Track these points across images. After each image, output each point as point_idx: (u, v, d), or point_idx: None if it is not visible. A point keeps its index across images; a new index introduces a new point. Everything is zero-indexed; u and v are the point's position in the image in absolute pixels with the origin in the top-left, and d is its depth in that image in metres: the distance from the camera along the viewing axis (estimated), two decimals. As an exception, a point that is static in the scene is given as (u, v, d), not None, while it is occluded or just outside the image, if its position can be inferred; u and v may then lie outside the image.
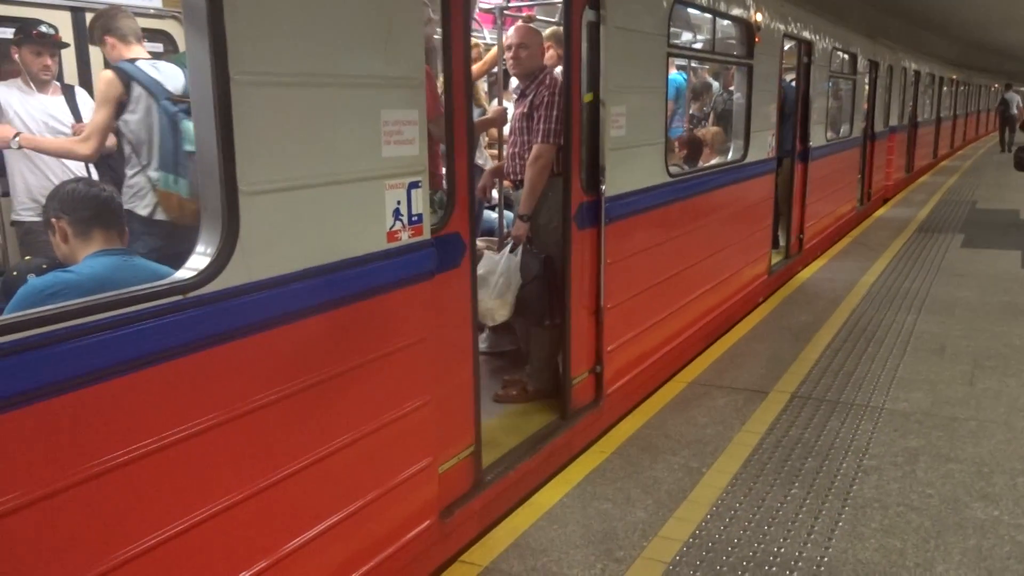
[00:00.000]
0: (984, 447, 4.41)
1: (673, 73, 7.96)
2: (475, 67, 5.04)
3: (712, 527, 3.65)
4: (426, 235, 3.18)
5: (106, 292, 2.18)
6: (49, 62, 4.50)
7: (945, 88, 22.39)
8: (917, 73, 17.28)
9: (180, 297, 2.28)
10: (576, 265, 4.32)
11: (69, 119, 4.58)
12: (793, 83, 8.84)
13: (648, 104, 5.05)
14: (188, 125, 3.82)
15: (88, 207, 2.71)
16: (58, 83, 4.67)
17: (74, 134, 4.51)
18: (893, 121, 14.77)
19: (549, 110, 4.26)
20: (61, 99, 4.63)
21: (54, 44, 4.54)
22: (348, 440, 2.90)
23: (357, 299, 2.88)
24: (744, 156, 6.99)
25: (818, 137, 9.48)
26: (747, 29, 6.92)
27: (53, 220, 2.74)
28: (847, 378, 5.50)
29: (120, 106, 3.89)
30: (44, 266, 2.89)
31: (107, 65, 4.04)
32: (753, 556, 3.41)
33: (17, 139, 4.14)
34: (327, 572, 2.87)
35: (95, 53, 5.30)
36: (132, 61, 3.93)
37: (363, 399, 2.96)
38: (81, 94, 4.77)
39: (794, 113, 8.62)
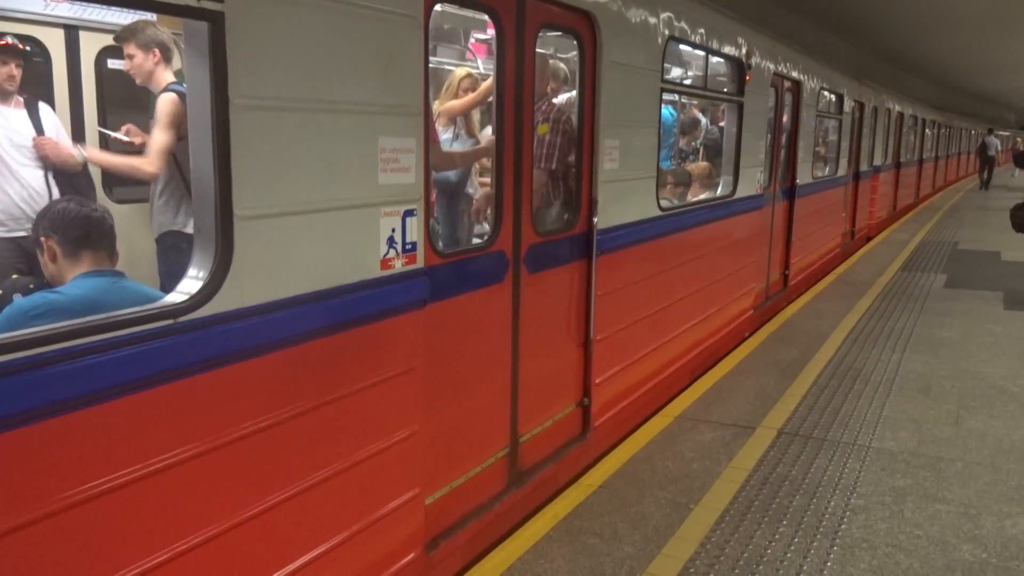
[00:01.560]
0: (971, 488, 4.41)
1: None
2: (469, 97, 5.05)
3: (701, 565, 3.60)
4: (419, 264, 3.15)
5: (94, 314, 2.14)
6: (14, 72, 4.41)
7: (928, 130, 22.75)
8: (901, 115, 17.55)
9: (171, 321, 2.24)
10: (533, 309, 4.09)
11: (31, 132, 4.46)
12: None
13: (641, 138, 5.08)
14: None
15: (79, 227, 2.67)
16: (20, 97, 4.55)
17: (34, 147, 4.44)
18: (877, 161, 14.97)
19: (549, 139, 4.26)
20: (23, 112, 4.51)
21: (17, 54, 4.45)
22: (333, 471, 2.85)
23: (348, 327, 2.85)
24: (733, 192, 7.04)
25: (804, 175, 9.57)
26: (738, 67, 7.00)
27: (42, 239, 2.69)
28: (833, 416, 5.50)
29: (179, 128, 3.98)
30: (31, 286, 2.84)
31: (163, 88, 4.12)
32: (742, 596, 3.37)
33: (81, 152, 4.33)
34: None
35: (87, 70, 5.28)
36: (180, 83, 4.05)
37: (350, 429, 2.91)
38: (45, 110, 4.65)
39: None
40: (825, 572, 3.56)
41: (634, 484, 4.41)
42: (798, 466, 4.67)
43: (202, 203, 2.41)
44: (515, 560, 3.63)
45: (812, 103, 9.62)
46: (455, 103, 4.97)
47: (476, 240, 5.69)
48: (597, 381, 4.75)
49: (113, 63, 5.26)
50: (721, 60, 6.93)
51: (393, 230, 3.01)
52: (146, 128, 4.44)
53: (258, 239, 2.46)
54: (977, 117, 37.70)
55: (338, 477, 2.88)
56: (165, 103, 4.02)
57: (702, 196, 7.18)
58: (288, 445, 2.65)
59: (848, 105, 11.84)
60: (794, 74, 8.75)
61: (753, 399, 5.81)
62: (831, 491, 4.35)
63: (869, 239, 14.97)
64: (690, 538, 3.84)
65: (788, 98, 8.85)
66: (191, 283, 2.37)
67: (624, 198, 4.89)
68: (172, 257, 4.18)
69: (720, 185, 7.21)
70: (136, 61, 4.12)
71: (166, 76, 4.17)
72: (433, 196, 4.39)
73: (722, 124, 8.04)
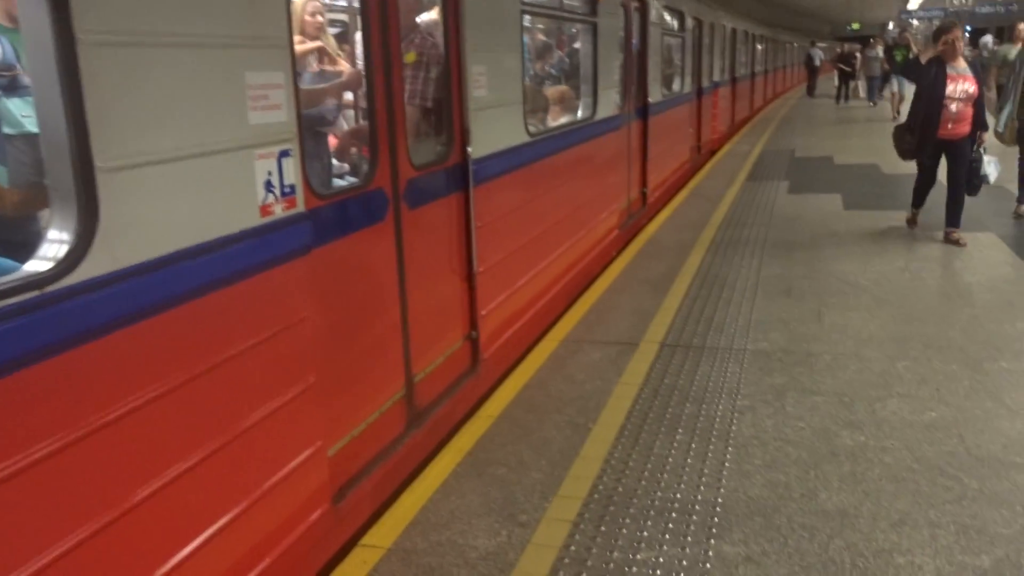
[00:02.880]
0: (841, 378, 4.71)
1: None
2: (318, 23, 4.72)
3: (609, 481, 3.68)
4: (300, 207, 2.96)
5: None
6: None
7: (758, 45, 23.74)
8: (735, 31, 18.16)
9: (37, 293, 1.99)
10: (416, 247, 3.97)
11: None
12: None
13: (506, 63, 4.97)
14: (7, 104, 3.37)
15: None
16: None
17: None
18: (716, 77, 15.48)
19: (415, 70, 4.08)
20: None
21: None
22: (230, 436, 2.67)
23: (232, 281, 2.64)
24: (593, 114, 7.07)
25: (655, 94, 9.75)
26: (590, -14, 6.95)
27: None
28: (708, 324, 5.72)
29: None
30: None
31: None
32: (653, 504, 3.47)
33: None
34: None
35: None
36: None
37: (243, 390, 2.73)
38: None
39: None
40: (724, 472, 3.72)
41: (532, 411, 4.44)
42: (684, 375, 4.84)
43: (55, 157, 2.12)
44: (426, 501, 3.58)
45: (658, 21, 9.76)
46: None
47: (339, 181, 5.47)
48: (483, 313, 4.71)
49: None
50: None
51: (269, 173, 2.80)
52: None
53: (125, 193, 2.21)
54: (799, 31, 39.71)
55: (236, 442, 2.70)
56: None
57: (563, 120, 7.17)
58: (178, 415, 2.45)
59: (689, 23, 12.10)
60: (640, -8, 8.81)
61: (631, 315, 5.96)
62: (718, 395, 4.54)
63: (713, 153, 15.57)
64: (594, 456, 3.91)
65: (636, 17, 8.92)
66: (53, 247, 2.10)
67: (495, 126, 4.79)
68: None
69: (580, 107, 7.22)
70: None
71: None
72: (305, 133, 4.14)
73: (574, 47, 8.01)
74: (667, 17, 10.65)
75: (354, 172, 4.41)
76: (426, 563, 3.16)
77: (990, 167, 7.64)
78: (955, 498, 3.44)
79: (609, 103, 7.53)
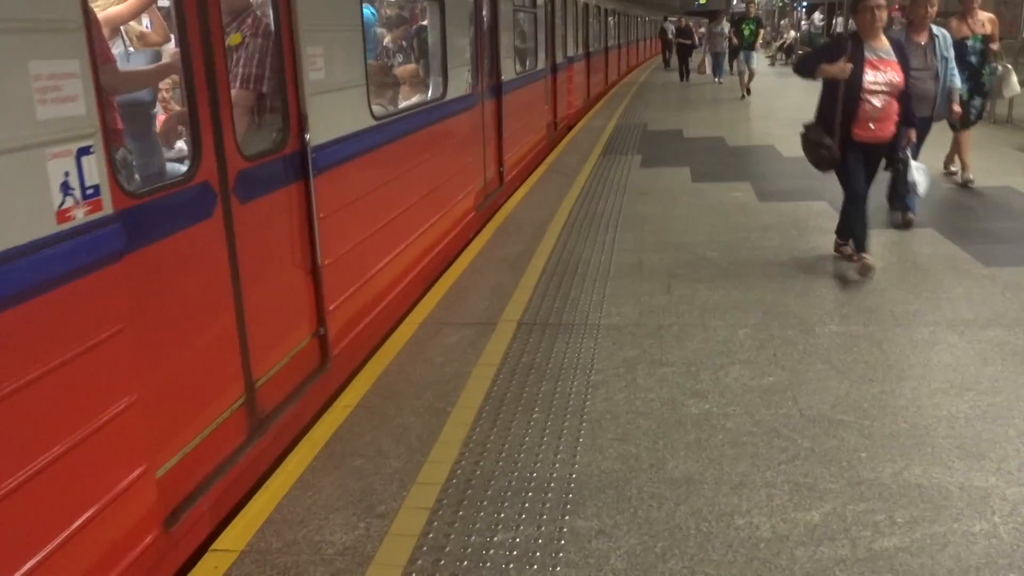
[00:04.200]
0: (688, 348, 4.89)
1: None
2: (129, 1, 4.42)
3: (467, 464, 3.68)
4: (106, 210, 2.73)
5: None
6: None
7: (611, 19, 24.21)
8: (587, 5, 18.44)
9: None
10: (252, 243, 3.77)
11: None
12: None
13: (346, 43, 4.82)
14: None
15: None
16: None
17: None
18: (570, 52, 15.69)
19: (242, 53, 3.89)
20: None
21: None
22: (38, 465, 2.44)
23: (24, 297, 2.37)
24: (444, 93, 7.00)
25: (509, 71, 9.76)
26: (434, -37, 6.84)
27: None
28: (564, 300, 5.81)
29: None
30: None
31: None
32: (510, 485, 3.50)
33: None
34: None
35: None
36: None
37: (51, 412, 2.49)
38: None
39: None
40: (579, 447, 3.79)
41: (391, 398, 4.38)
42: (541, 353, 4.89)
43: None
44: (281, 498, 3.48)
45: (508, -2, 9.75)
46: (117, 9, 4.32)
47: (177, 166, 5.17)
48: (331, 308, 4.56)
49: None
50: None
51: (67, 174, 2.55)
52: None
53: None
54: (651, 5, 40.89)
55: (49, 469, 2.47)
56: None
57: (414, 100, 7.07)
58: None
59: (540, -1, 12.18)
60: (487, -31, 8.76)
61: (490, 295, 5.97)
62: (573, 372, 4.62)
63: (570, 128, 15.81)
64: (453, 440, 3.90)
65: (485, -6, 8.88)
66: None
67: (335, 110, 4.64)
68: None
69: (430, 87, 7.13)
70: None
71: None
72: (120, 124, 3.87)
73: (422, 24, 7.88)
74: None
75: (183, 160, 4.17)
76: (281, 563, 3.07)
77: (919, 174, 6.22)
78: (789, 458, 3.65)
79: (461, 82, 7.47)
